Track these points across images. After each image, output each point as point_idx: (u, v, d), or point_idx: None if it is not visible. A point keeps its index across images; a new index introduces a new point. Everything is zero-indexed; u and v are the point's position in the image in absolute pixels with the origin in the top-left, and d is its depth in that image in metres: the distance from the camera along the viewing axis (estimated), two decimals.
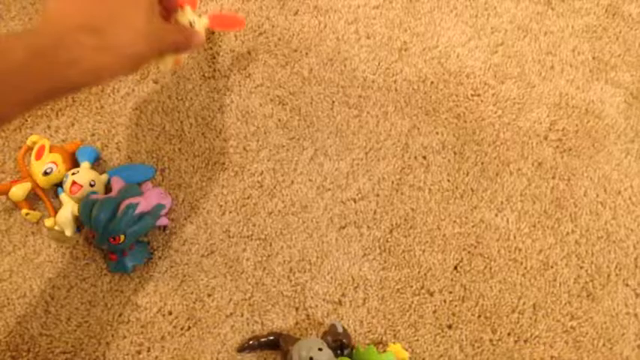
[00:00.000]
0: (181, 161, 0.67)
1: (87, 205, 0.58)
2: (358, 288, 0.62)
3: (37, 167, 0.61)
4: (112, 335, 0.60)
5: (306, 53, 0.73)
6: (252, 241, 0.64)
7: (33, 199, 0.64)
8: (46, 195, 0.63)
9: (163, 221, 0.63)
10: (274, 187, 0.66)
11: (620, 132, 0.69)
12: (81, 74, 0.41)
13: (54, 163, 0.61)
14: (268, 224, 0.65)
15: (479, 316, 0.61)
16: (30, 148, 0.63)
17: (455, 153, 0.68)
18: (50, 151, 0.62)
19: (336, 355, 0.54)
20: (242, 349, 0.59)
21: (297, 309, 0.61)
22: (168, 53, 0.55)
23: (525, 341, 0.60)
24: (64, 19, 0.42)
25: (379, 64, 0.72)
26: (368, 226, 0.65)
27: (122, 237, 0.58)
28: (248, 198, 0.66)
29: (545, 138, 0.69)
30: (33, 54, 0.38)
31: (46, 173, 0.61)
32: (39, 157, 0.61)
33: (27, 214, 0.62)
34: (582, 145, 0.68)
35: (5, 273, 0.62)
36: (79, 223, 0.62)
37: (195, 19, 0.63)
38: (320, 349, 0.53)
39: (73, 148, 0.64)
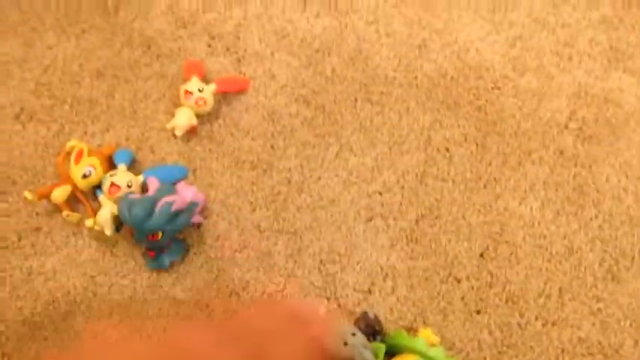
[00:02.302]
0: (212, 161, 0.70)
1: (126, 205, 0.61)
2: (387, 277, 0.64)
3: (77, 171, 0.64)
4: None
5: (328, 53, 0.75)
6: (282, 235, 0.67)
7: (73, 201, 0.67)
8: (86, 197, 0.66)
9: (197, 219, 0.65)
10: (302, 183, 0.69)
11: (639, 119, 0.70)
12: None
13: (92, 166, 0.64)
14: (298, 219, 0.67)
15: (506, 301, 0.62)
16: (69, 153, 0.66)
17: (477, 144, 0.69)
18: (88, 155, 0.65)
19: (369, 341, 0.56)
20: None
21: (328, 299, 0.64)
22: None
23: (553, 324, 0.61)
24: None
25: (400, 61, 0.74)
26: (394, 218, 0.67)
27: (160, 234, 0.61)
28: (277, 194, 0.68)
29: (566, 127, 0.70)
30: None
31: (85, 176, 0.64)
32: (78, 161, 0.64)
33: (67, 215, 0.65)
34: (602, 133, 0.70)
35: (49, 272, 0.65)
36: (117, 222, 0.65)
37: (203, 86, 0.68)
38: (354, 335, 0.55)
39: (110, 152, 0.67)
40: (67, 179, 0.66)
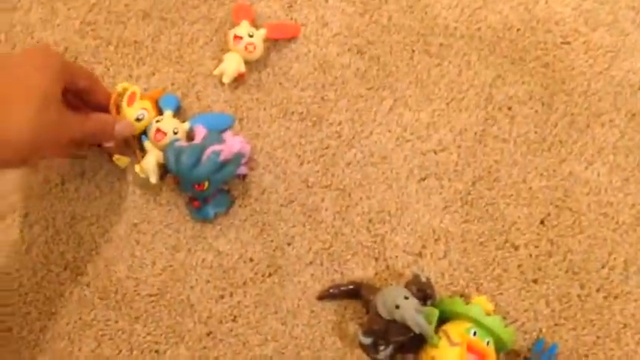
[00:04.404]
0: (259, 111, 0.67)
1: (172, 152, 0.59)
2: (439, 240, 0.61)
3: (130, 113, 0.61)
4: (196, 279, 0.61)
5: (385, 0, 0.71)
6: (330, 191, 0.64)
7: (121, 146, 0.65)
8: (135, 141, 0.64)
9: (243, 170, 0.63)
10: (353, 138, 0.66)
11: None
12: None
13: (145, 109, 0.62)
14: (347, 175, 0.64)
15: (566, 271, 0.59)
16: (120, 95, 0.63)
17: (543, 104, 0.65)
18: (140, 99, 0.62)
19: (421, 305, 0.53)
20: (322, 297, 0.60)
21: (376, 259, 0.61)
22: (87, 145, 0.61)
23: (615, 297, 0.58)
24: None
25: (462, 10, 0.69)
26: (449, 178, 0.63)
27: (206, 183, 0.59)
28: (326, 148, 0.65)
29: None
30: None
31: (138, 119, 0.61)
32: (131, 103, 0.62)
33: (118, 159, 0.63)
34: None
35: (93, 217, 0.64)
36: (162, 170, 0.63)
37: (253, 31, 0.65)
38: (406, 298, 0.52)
39: (158, 96, 0.65)
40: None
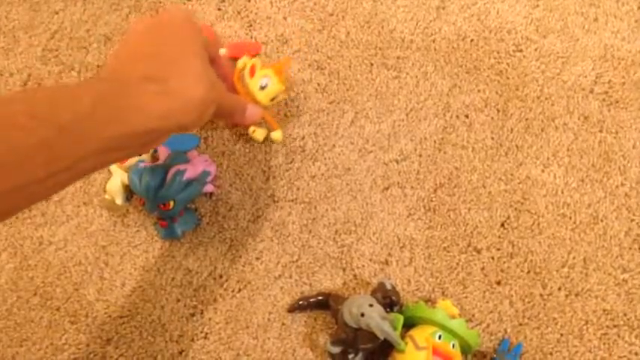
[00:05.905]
0: (224, 129, 0.68)
1: (136, 173, 0.60)
2: (404, 247, 0.63)
3: (253, 84, 0.62)
4: (166, 299, 0.62)
5: (343, 17, 0.72)
6: (296, 205, 0.65)
7: None
8: (266, 113, 0.64)
9: (209, 188, 0.64)
10: (316, 151, 0.67)
11: None
12: (147, 120, 0.40)
13: (266, 76, 0.62)
14: (312, 188, 0.65)
15: (528, 272, 0.60)
16: (241, 70, 0.63)
17: (498, 110, 0.67)
18: (261, 69, 0.63)
19: (386, 312, 0.55)
20: (292, 309, 0.60)
21: (344, 269, 0.62)
22: (220, 117, 0.57)
23: (577, 295, 0.59)
24: (127, 70, 0.43)
25: (417, 24, 0.71)
26: (412, 187, 0.65)
27: (171, 203, 0.60)
28: (291, 162, 0.66)
29: (591, 91, 0.67)
30: (99, 100, 0.38)
31: (262, 87, 0.62)
32: (252, 74, 0.62)
33: (253, 131, 0.65)
34: (629, 97, 0.67)
35: (60, 242, 0.64)
36: (128, 191, 0.64)
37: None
38: (371, 305, 0.53)
39: (280, 66, 0.64)
40: (246, 96, 0.62)
